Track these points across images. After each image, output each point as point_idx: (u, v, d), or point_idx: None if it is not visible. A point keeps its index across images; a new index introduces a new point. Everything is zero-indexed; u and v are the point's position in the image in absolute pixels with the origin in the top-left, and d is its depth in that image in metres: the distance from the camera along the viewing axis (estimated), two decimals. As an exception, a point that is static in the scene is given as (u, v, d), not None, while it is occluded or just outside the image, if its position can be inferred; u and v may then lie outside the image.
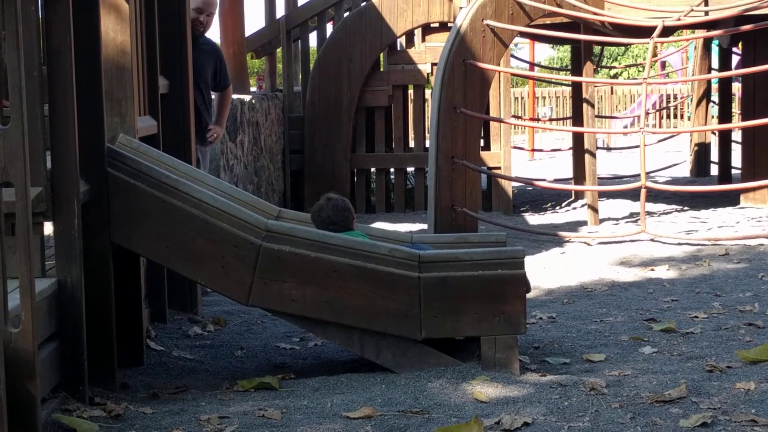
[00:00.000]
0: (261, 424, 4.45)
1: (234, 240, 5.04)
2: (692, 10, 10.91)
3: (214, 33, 19.39)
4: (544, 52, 37.33)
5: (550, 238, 10.39)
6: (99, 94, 4.95)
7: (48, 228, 4.90)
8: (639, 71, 31.22)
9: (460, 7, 11.50)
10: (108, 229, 5.00)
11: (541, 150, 22.27)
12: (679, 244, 9.73)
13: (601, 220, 11.47)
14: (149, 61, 6.29)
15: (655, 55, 24.73)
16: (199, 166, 7.47)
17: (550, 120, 23.00)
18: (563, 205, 13.28)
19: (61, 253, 4.64)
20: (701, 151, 16.69)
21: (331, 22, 13.50)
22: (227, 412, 4.64)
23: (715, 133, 16.51)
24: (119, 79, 5.57)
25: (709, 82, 16.67)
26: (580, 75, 12.24)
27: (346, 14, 13.25)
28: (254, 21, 53.73)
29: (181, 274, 5.46)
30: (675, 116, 26.10)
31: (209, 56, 7.98)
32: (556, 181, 15.16)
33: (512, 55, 18.32)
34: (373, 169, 13.28)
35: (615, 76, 34.01)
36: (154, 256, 5.21)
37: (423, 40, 13.13)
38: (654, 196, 12.73)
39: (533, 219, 12.22)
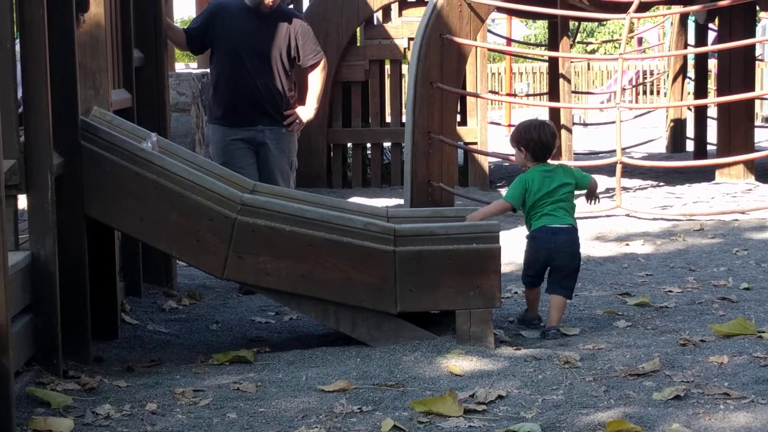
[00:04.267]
0: (236, 397, 4.45)
1: (209, 214, 5.03)
2: (669, -15, 10.92)
3: (189, 7, 19.26)
4: (520, 30, 37.29)
5: (526, 213, 10.38)
6: (73, 67, 4.91)
7: (22, 201, 4.87)
8: (615, 47, 31.23)
9: (437, -18, 11.45)
10: (82, 202, 4.98)
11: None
12: (655, 219, 9.76)
13: (577, 195, 11.46)
14: (123, 34, 6.26)
15: (631, 30, 24.75)
16: (272, 156, 7.15)
17: (527, 95, 23.00)
18: (539, 180, 13.27)
19: (34, 226, 4.62)
20: (677, 127, 16.73)
21: (308, -4, 13.44)
22: (202, 385, 4.64)
23: (690, 109, 16.55)
24: (93, 52, 5.53)
25: (685, 58, 16.69)
26: (557, 50, 12.25)
27: (322, -12, 13.17)
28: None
29: (155, 248, 5.44)
30: (651, 92, 26.16)
31: (277, 30, 7.18)
32: (533, 156, 15.16)
33: (489, 31, 18.29)
34: (349, 144, 13.25)
35: (592, 52, 34.03)
36: (128, 230, 5.20)
37: (400, 14, 13.08)
38: (630, 171, 12.77)
39: (510, 194, 12.21)
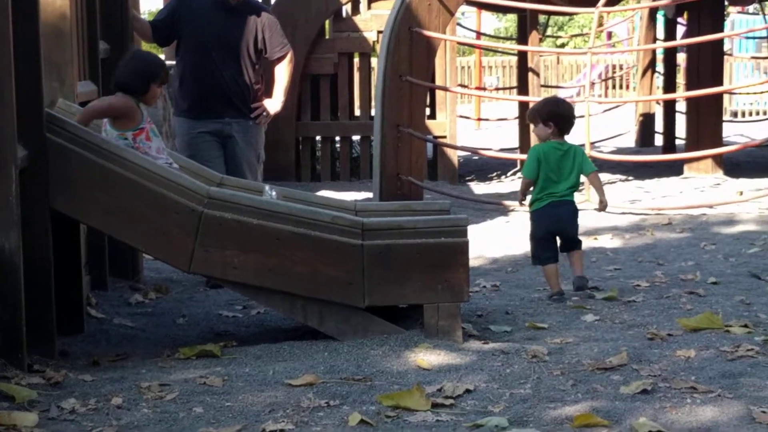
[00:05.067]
0: (202, 391, 4.42)
1: (175, 207, 4.99)
2: (638, -21, 10.94)
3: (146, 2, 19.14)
4: (491, 24, 37.33)
5: (495, 207, 10.40)
6: (37, 59, 4.85)
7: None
8: (585, 41, 31.32)
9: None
10: (47, 195, 4.92)
11: (487, 119, 22.29)
12: (623, 213, 9.79)
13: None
14: (89, 26, 6.21)
15: (601, 24, 24.83)
16: (239, 148, 7.11)
17: (497, 89, 23.02)
18: (509, 174, 13.31)
19: (-2, 219, 4.56)
20: (646, 122, 16.78)
21: (277, -11, 13.38)
22: (168, 379, 4.61)
23: (659, 104, 16.61)
24: (59, 44, 5.48)
25: (654, 52, 16.74)
26: (526, 44, 12.25)
27: (291, -19, 13.12)
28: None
29: (122, 241, 5.40)
30: (621, 86, 26.23)
31: (244, 22, 7.14)
32: (502, 150, 15.17)
33: (459, 24, 18.28)
34: (318, 138, 13.22)
35: (562, 46, 34.10)
36: (94, 223, 5.15)
37: (369, 7, 13.06)
38: (599, 165, 12.72)
39: (479, 188, 12.24)
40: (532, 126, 6.70)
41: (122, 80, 5.42)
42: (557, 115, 6.46)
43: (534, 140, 11.73)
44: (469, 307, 5.91)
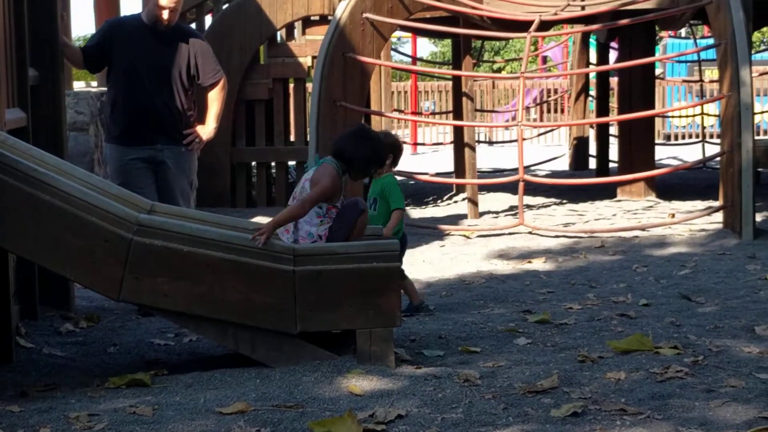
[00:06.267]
0: (132, 421, 4.37)
1: (104, 234, 4.94)
2: (569, 5, 11.07)
3: (88, 24, 18.98)
4: (427, 48, 37.54)
5: (431, 231, 10.44)
6: (-37, 86, 4.81)
7: None
8: (520, 66, 31.62)
9: (340, 0, 11.48)
10: (-27, 224, 4.86)
11: (423, 144, 22.39)
12: (557, 236, 9.86)
13: (481, 214, 11.57)
14: (18, 52, 6.15)
15: (536, 49, 25.07)
16: (171, 175, 7.09)
17: (433, 114, 23.12)
18: (444, 198, 13.37)
19: None
20: (580, 145, 16.95)
21: (210, 14, 13.37)
22: (97, 409, 4.55)
23: (593, 127, 16.77)
24: (-14, 70, 5.42)
25: (587, 76, 16.93)
26: (460, 69, 12.32)
27: (225, 6, 13.12)
28: (131, 11, 52.72)
29: (51, 270, 5.34)
30: (556, 110, 26.45)
31: (176, 48, 7.12)
32: (438, 174, 15.24)
33: (394, 49, 18.36)
34: (253, 163, 13.19)
35: (498, 71, 34.35)
36: (22, 252, 5.08)
37: (303, 33, 13.09)
38: (534, 189, 12.88)
39: (415, 212, 12.28)
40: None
41: (359, 156, 5.52)
42: (396, 148, 6.73)
43: (468, 165, 11.83)
44: (402, 332, 5.92)
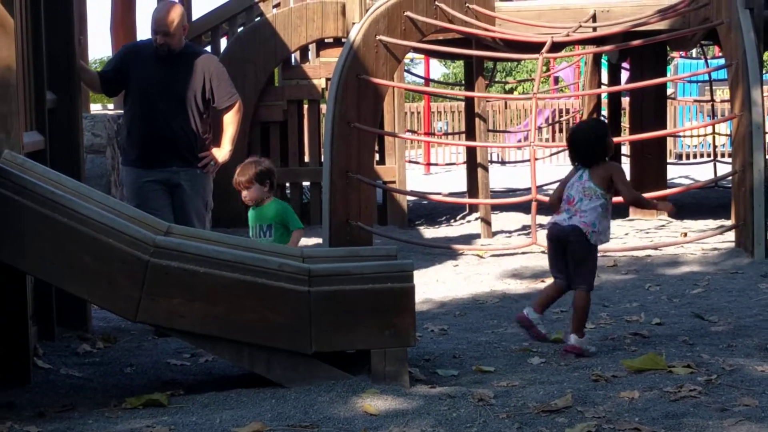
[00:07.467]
0: (149, 441, 4.42)
1: (121, 256, 5.00)
2: (580, 26, 11.12)
3: (105, 47, 19.11)
4: (440, 69, 37.64)
5: (444, 251, 10.47)
6: (-18, 110, 4.87)
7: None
8: (532, 86, 31.65)
9: (353, 23, 11.56)
10: (-8, 246, 4.91)
11: (436, 164, 22.44)
12: (570, 256, 9.86)
13: (494, 233, 11.60)
14: (36, 76, 6.22)
15: (548, 69, 25.11)
16: (187, 197, 7.21)
17: (446, 134, 23.17)
18: (457, 218, 13.40)
19: (-57, 270, 4.55)
20: (592, 165, 16.93)
21: (225, 37, 13.46)
22: (114, 430, 4.59)
23: (605, 147, 16.76)
24: (4, 95, 5.48)
25: (599, 96, 16.96)
26: (473, 90, 12.38)
27: (240, 29, 13.21)
28: (148, 35, 52.78)
29: (68, 291, 5.39)
30: (568, 130, 26.43)
31: (191, 71, 7.20)
32: (451, 194, 15.28)
33: (407, 71, 18.43)
34: (268, 184, 13.22)
35: (510, 91, 34.39)
36: (40, 274, 5.14)
37: (318, 55, 13.16)
38: (547, 209, 12.87)
39: (428, 232, 12.31)
40: (248, 190, 6.86)
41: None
42: (272, 173, 6.89)
43: (481, 185, 11.87)
44: (417, 352, 5.95)
